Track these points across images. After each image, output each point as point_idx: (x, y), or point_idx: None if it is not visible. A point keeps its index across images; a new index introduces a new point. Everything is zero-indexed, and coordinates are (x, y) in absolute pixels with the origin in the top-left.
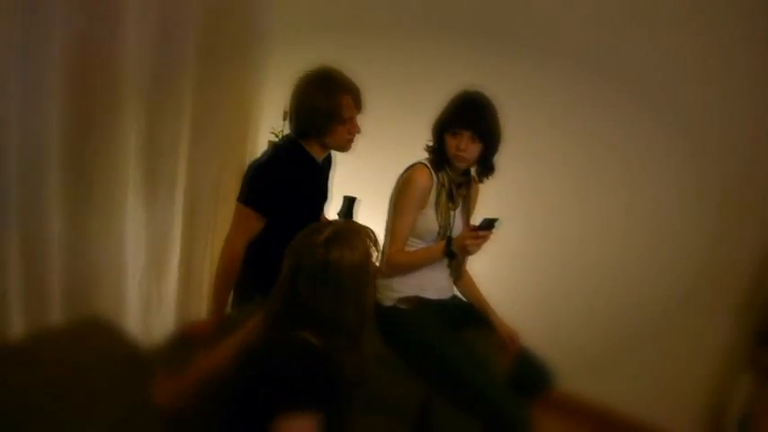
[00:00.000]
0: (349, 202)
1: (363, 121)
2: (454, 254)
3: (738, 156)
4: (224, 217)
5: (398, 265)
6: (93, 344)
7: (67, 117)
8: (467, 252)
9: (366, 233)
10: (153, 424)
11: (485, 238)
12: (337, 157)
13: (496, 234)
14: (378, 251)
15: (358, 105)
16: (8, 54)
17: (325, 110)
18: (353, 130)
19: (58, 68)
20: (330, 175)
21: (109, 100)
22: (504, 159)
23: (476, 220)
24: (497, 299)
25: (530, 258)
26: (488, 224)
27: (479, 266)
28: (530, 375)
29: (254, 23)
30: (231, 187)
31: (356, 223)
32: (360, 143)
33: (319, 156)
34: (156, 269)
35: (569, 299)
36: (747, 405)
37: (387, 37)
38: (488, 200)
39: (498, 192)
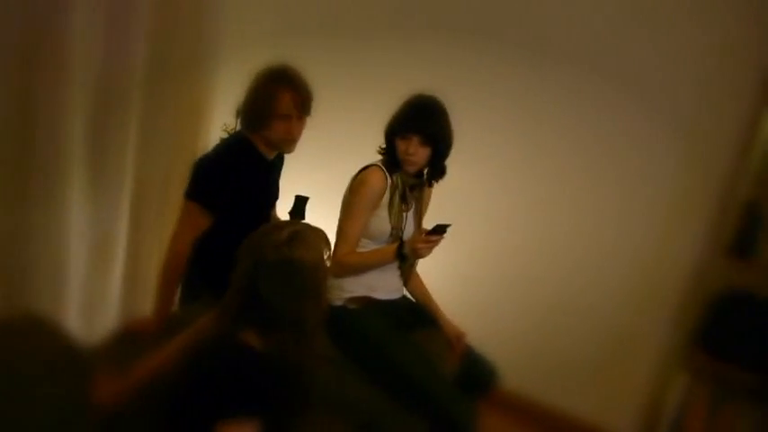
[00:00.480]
0: (300, 202)
1: (319, 121)
2: (405, 256)
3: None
4: (172, 213)
5: (349, 266)
6: (26, 340)
7: (9, 106)
8: (418, 255)
9: (320, 234)
10: (88, 422)
11: (436, 243)
12: (290, 156)
13: (451, 238)
14: (329, 251)
15: (299, 105)
16: None
17: (263, 103)
18: (292, 130)
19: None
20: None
21: (54, 92)
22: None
23: (427, 223)
24: (447, 301)
25: (480, 262)
26: (440, 229)
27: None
28: (475, 375)
29: (207, 22)
30: (180, 183)
31: (309, 224)
32: (314, 143)
33: (269, 152)
34: (101, 265)
35: (517, 303)
36: (681, 406)
37: (346, 39)
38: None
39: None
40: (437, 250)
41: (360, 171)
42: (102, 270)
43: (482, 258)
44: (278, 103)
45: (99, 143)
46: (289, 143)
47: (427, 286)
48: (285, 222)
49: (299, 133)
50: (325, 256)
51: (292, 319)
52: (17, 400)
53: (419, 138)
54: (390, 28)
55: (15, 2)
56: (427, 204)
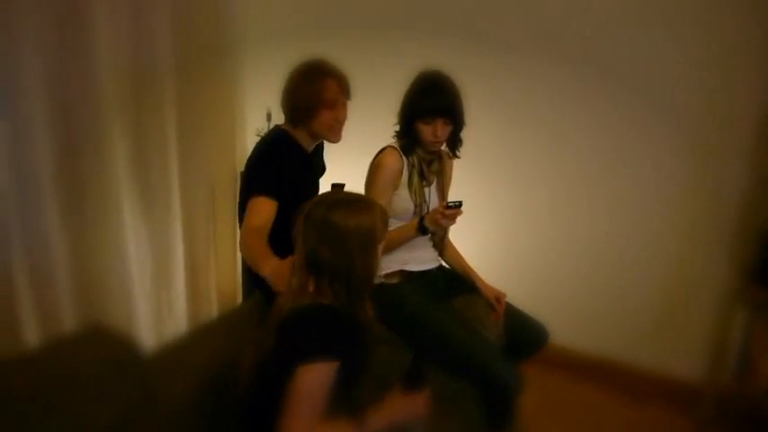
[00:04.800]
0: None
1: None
2: (427, 230)
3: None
4: (222, 219)
5: None
6: (95, 349)
7: (56, 143)
8: (439, 227)
9: (376, 207)
10: (151, 417)
11: (454, 215)
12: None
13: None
14: (386, 227)
15: (343, 90)
16: None
17: (309, 94)
18: (339, 116)
19: (41, 97)
20: (323, 163)
21: (93, 121)
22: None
23: (454, 193)
24: (499, 262)
25: (526, 218)
26: (456, 205)
27: (480, 234)
28: (523, 335)
29: (226, 30)
30: (224, 189)
31: (365, 198)
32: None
33: (309, 145)
34: (163, 277)
35: (565, 253)
36: (745, 341)
37: (364, 32)
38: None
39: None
40: (491, 216)
41: (377, 154)
42: (165, 281)
43: (532, 215)
44: (325, 91)
45: (143, 166)
46: (336, 130)
47: (480, 248)
48: (343, 192)
49: (345, 119)
50: (380, 229)
51: (334, 272)
52: (84, 399)
53: (443, 119)
54: (413, 21)
55: (47, 44)
56: (450, 176)
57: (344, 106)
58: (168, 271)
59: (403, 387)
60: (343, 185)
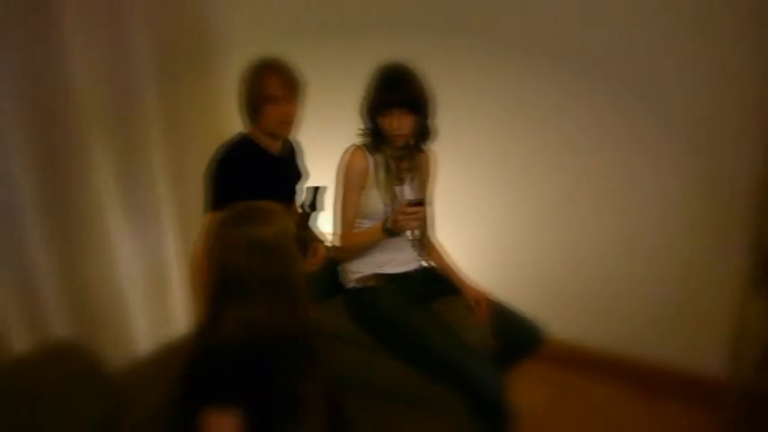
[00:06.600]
0: (313, 192)
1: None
2: (392, 231)
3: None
4: None
5: (347, 249)
6: (59, 365)
7: (33, 156)
8: (401, 228)
9: (275, 212)
10: None
11: (415, 214)
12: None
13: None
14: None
15: (285, 86)
16: None
17: (253, 91)
18: (285, 111)
19: (14, 110)
20: (299, 168)
21: (72, 132)
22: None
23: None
24: (503, 261)
25: (535, 212)
26: (417, 202)
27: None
28: (515, 337)
29: (208, 31)
30: None
31: (265, 204)
32: (329, 131)
33: (272, 146)
34: (159, 285)
35: (571, 248)
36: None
37: (351, 31)
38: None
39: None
40: (493, 213)
41: (342, 154)
42: (163, 290)
43: (538, 211)
44: (265, 87)
45: (127, 173)
46: (283, 125)
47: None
48: (240, 204)
49: (292, 115)
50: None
51: (242, 284)
52: (49, 415)
53: (400, 110)
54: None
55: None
56: (428, 171)
57: (290, 102)
58: (164, 279)
59: None
60: (317, 188)
